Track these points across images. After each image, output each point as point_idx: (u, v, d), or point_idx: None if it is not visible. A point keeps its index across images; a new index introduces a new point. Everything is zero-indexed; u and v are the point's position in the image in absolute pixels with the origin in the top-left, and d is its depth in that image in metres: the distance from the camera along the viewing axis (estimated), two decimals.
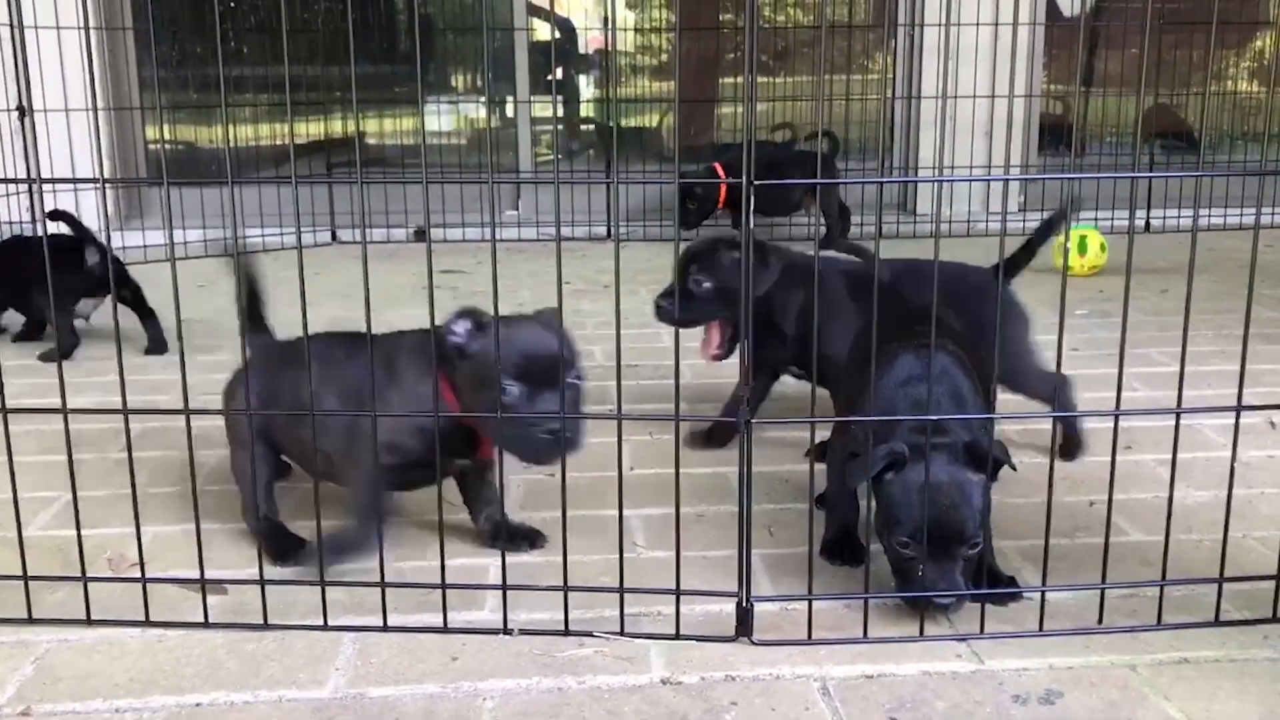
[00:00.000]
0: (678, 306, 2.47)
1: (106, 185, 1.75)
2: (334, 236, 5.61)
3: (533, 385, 1.86)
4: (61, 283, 3.40)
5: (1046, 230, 2.59)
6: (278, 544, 2.05)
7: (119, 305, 2.06)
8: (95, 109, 4.98)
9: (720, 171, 5.17)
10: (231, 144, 6.00)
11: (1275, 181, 5.28)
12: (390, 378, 1.97)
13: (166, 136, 6.26)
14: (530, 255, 5.19)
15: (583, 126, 7.00)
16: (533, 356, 1.87)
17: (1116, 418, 1.79)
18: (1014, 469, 1.85)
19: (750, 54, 1.60)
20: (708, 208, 5.20)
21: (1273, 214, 5.41)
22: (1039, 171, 6.08)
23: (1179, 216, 5.47)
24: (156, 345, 3.59)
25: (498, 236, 5.61)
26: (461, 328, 1.91)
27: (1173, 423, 1.79)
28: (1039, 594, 1.80)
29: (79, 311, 3.61)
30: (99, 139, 4.98)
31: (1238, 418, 1.78)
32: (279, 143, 6.11)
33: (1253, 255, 1.74)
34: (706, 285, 2.52)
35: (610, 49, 6.65)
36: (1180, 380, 1.74)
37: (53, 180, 1.87)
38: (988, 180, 5.81)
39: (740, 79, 6.80)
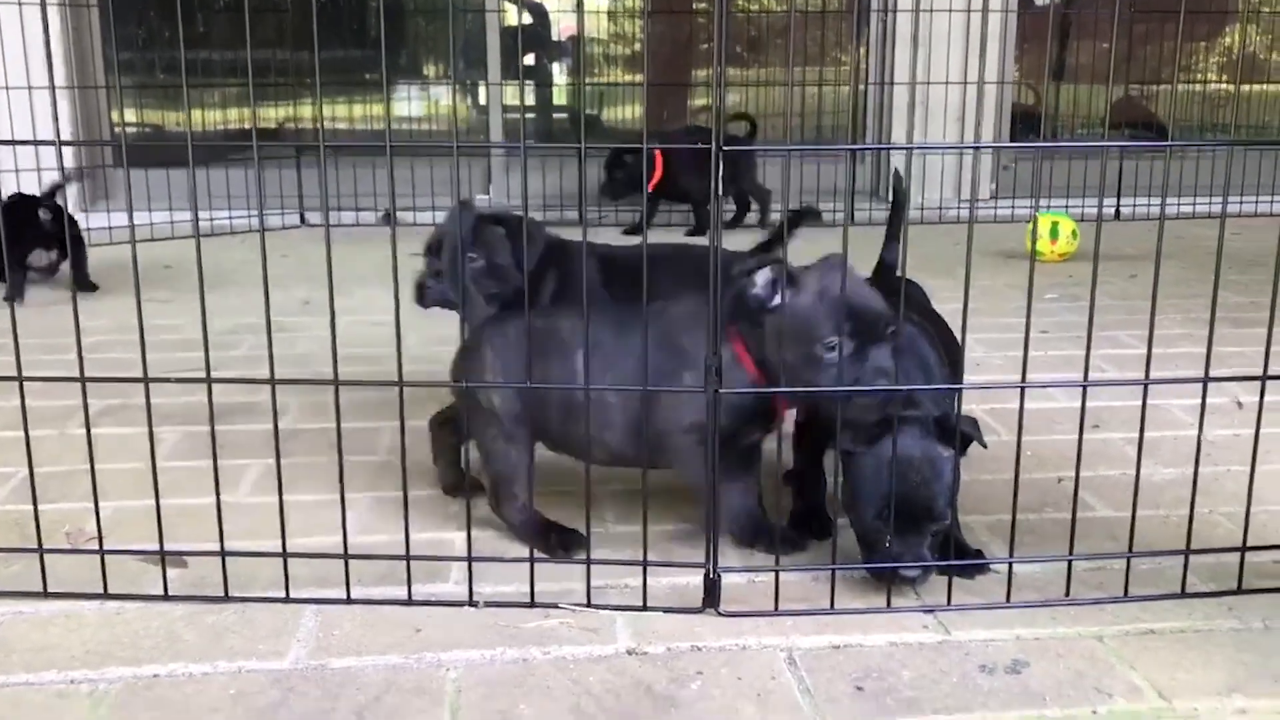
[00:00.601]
0: (461, 286, 2.17)
1: (65, 147, 1.72)
2: (303, 219, 5.56)
3: (860, 340, 1.72)
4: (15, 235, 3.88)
5: (897, 210, 2.42)
6: (555, 536, 1.95)
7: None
8: (54, 86, 4.91)
9: (658, 155, 5.19)
10: (199, 127, 5.94)
11: (1243, 170, 5.33)
12: (674, 356, 1.85)
13: (133, 119, 6.18)
14: None
15: (555, 115, 6.97)
16: (859, 309, 1.73)
17: (1085, 390, 1.78)
18: (984, 445, 1.84)
19: (720, 35, 1.59)
20: (635, 181, 5.20)
21: (1240, 202, 5.46)
22: (1012, 158, 6.10)
23: (1149, 205, 5.50)
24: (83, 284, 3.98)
25: None
26: (763, 280, 1.78)
27: (1140, 402, 1.79)
28: (1006, 566, 1.80)
29: (32, 263, 4.05)
30: (56, 112, 4.89)
31: (1204, 390, 1.78)
32: (247, 125, 6.04)
33: (1221, 224, 1.74)
34: (477, 263, 2.30)
35: (580, 35, 6.62)
36: (1148, 355, 1.74)
37: (12, 142, 1.84)
38: (944, 149, 5.83)
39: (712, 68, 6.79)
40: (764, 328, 1.79)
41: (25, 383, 1.74)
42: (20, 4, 4.47)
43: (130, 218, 1.68)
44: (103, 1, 5.52)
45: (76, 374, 1.74)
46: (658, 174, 5.19)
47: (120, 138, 5.60)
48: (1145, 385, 1.78)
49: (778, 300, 1.77)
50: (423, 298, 2.27)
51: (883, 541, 1.75)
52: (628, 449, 1.91)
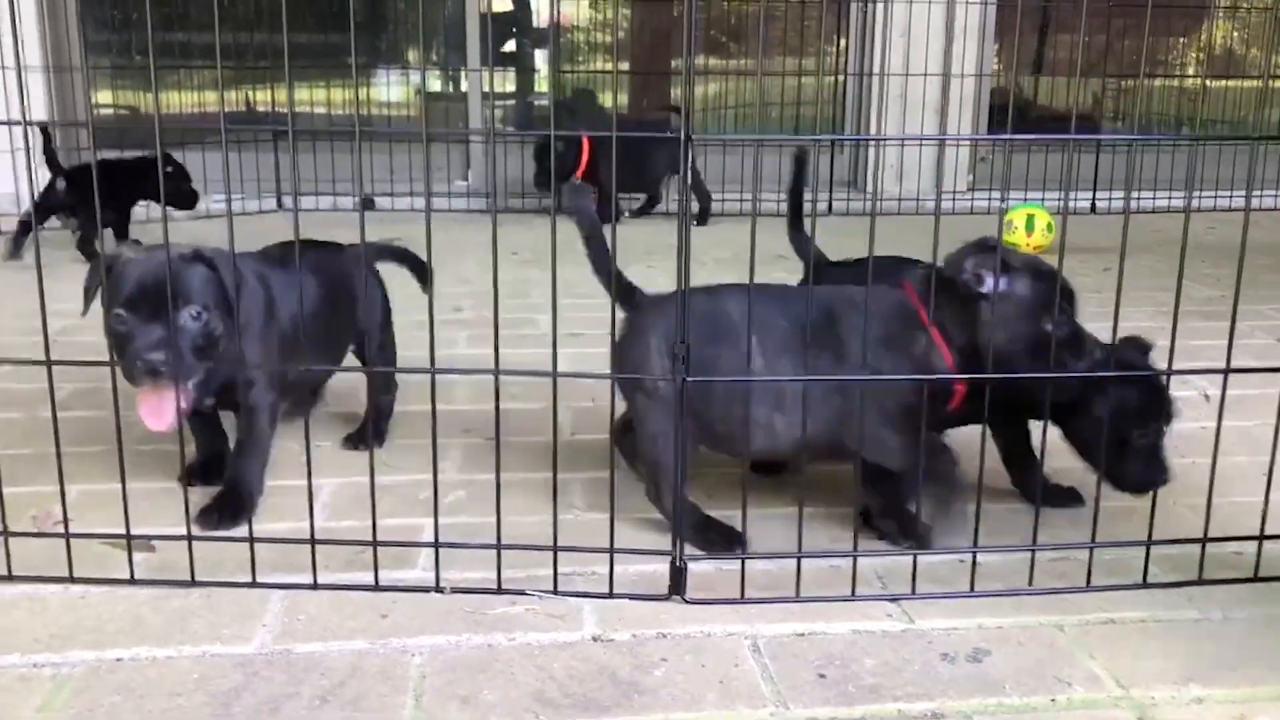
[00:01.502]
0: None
1: (33, 127, 1.71)
2: (279, 204, 5.53)
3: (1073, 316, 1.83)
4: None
5: (797, 188, 2.38)
6: (716, 534, 1.92)
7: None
8: (22, 66, 4.87)
9: (585, 142, 5.18)
10: (175, 109, 5.91)
11: (1217, 164, 5.36)
12: (882, 341, 1.84)
13: (109, 100, 6.13)
14: (481, 225, 5.15)
15: (538, 101, 6.95)
16: (1067, 287, 1.81)
17: (1050, 382, 1.80)
18: None
19: (689, 26, 1.59)
20: (566, 169, 5.15)
21: (1215, 196, 5.50)
22: (989, 149, 6.12)
23: (1124, 198, 5.53)
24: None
25: (447, 207, 5.57)
26: (972, 266, 1.81)
27: None
28: (970, 555, 1.82)
29: None
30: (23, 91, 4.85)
31: (1167, 383, 1.80)
32: (225, 109, 6.00)
33: (1186, 218, 1.75)
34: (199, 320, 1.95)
35: (555, 22, 6.60)
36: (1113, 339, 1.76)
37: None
38: (901, 141, 5.84)
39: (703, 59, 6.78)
40: (974, 314, 1.83)
41: None
42: None
43: (97, 201, 1.67)
44: None
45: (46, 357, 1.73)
46: (584, 162, 5.18)
47: (101, 119, 5.55)
48: (1108, 378, 1.80)
49: (988, 287, 1.81)
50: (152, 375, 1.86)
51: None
52: (800, 436, 1.85)
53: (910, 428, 1.83)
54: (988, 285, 1.81)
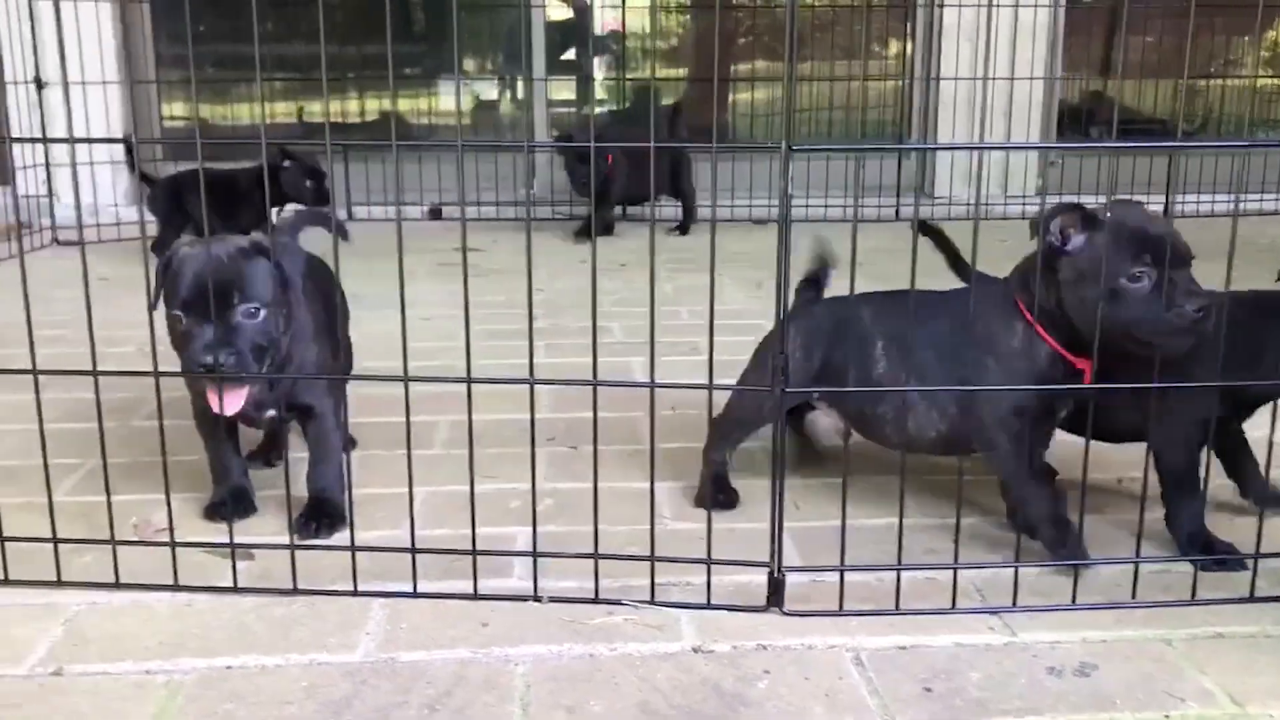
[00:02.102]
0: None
1: (135, 144, 1.74)
2: (350, 214, 5.59)
3: (1162, 268, 1.76)
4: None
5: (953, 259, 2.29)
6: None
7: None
8: (114, 81, 4.97)
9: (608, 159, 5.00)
10: (244, 121, 5.99)
11: (1264, 166, 5.24)
12: (983, 342, 1.89)
13: (182, 113, 6.24)
14: (551, 233, 5.19)
15: (597, 109, 6.97)
16: (1155, 236, 1.76)
17: (1151, 392, 1.77)
18: None
19: (790, 29, 1.59)
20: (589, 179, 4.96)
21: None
22: (1059, 154, 6.04)
23: (1198, 201, 5.43)
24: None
25: (512, 215, 5.59)
26: (1056, 227, 1.82)
27: None
28: (1071, 567, 1.79)
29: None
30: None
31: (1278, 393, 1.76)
32: (294, 121, 6.09)
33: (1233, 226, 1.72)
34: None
35: (623, 29, 6.62)
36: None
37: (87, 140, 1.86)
38: (953, 148, 5.78)
39: (757, 64, 6.77)
40: (1059, 279, 1.83)
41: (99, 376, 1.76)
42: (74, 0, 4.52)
43: (140, 213, 1.69)
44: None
45: (147, 367, 1.76)
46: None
47: (175, 131, 5.66)
48: (1216, 388, 1.77)
49: (1075, 244, 1.81)
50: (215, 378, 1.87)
51: None
52: (932, 435, 1.99)
53: (1015, 429, 1.88)
54: (1073, 243, 1.81)
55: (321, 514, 2.01)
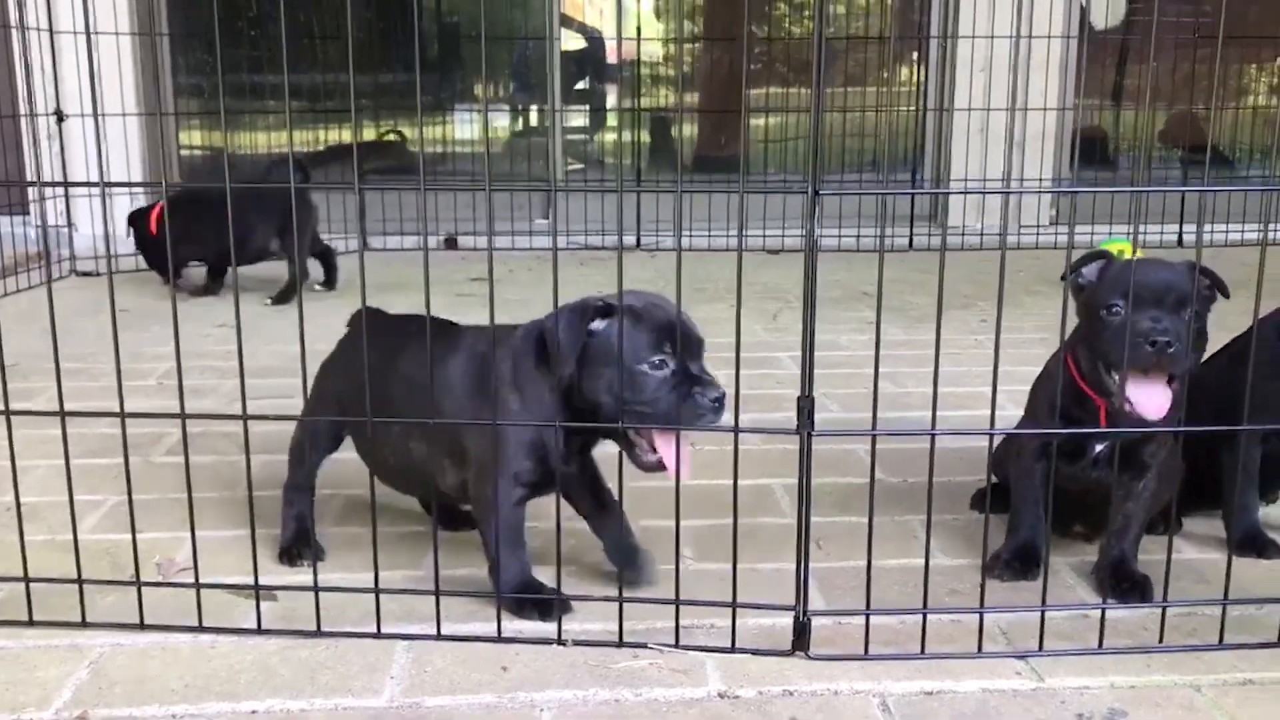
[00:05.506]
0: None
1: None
2: (364, 244, 5.61)
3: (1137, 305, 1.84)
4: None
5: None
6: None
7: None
8: (132, 113, 5.00)
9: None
10: (257, 149, 6.03)
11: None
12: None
13: (197, 142, 6.28)
14: (562, 264, 5.19)
15: (609, 136, 7.00)
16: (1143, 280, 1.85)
17: (1179, 434, 1.76)
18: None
19: (818, 70, 1.60)
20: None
21: None
22: (1068, 183, 6.04)
23: (1211, 231, 5.42)
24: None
25: (528, 245, 5.61)
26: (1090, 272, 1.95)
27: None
28: (1098, 610, 1.78)
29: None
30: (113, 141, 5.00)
31: None
32: (307, 149, 6.13)
33: (1197, 256, 1.72)
34: None
35: (622, 57, 6.65)
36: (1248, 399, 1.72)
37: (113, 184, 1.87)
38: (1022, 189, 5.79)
39: (771, 89, 6.79)
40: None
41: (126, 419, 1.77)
42: (91, 34, 4.56)
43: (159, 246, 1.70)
44: (173, 29, 5.63)
45: (161, 403, 1.77)
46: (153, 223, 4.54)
47: (190, 160, 5.69)
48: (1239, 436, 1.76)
49: (1085, 277, 1.94)
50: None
51: None
52: None
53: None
54: (1085, 276, 1.95)
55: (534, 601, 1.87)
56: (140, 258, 4.72)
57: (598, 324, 1.77)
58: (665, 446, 1.76)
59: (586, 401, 1.78)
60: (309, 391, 1.94)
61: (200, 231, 4.02)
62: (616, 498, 1.91)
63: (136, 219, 4.57)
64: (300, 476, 2.11)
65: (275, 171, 4.74)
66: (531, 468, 1.82)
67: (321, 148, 6.25)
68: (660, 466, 1.76)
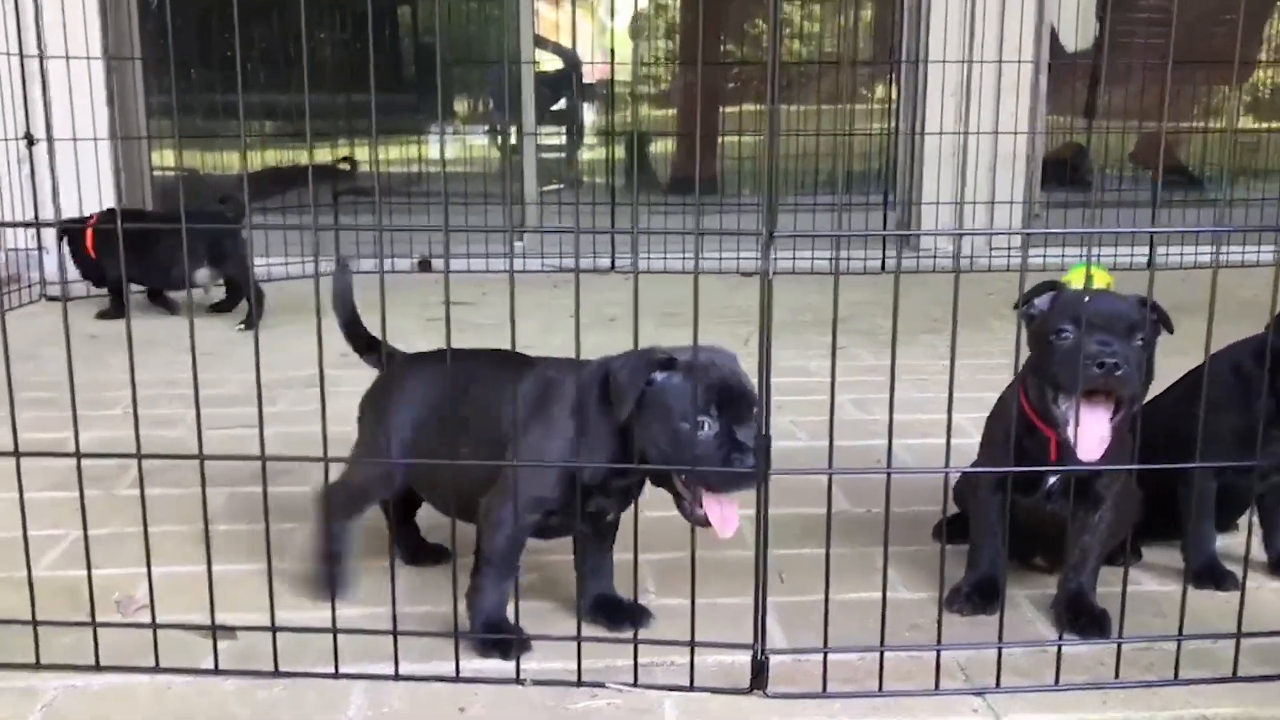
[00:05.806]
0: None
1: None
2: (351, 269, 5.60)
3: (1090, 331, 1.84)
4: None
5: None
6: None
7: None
8: (107, 137, 4.99)
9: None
10: (235, 170, 6.02)
11: (1245, 217, 5.30)
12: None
13: (171, 163, 6.27)
14: (539, 286, 5.19)
15: (587, 154, 7.02)
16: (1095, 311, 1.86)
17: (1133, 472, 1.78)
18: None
19: (773, 80, 1.61)
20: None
21: (1259, 251, 5.42)
22: (1041, 205, 6.11)
23: (1180, 254, 5.47)
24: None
25: (503, 268, 5.60)
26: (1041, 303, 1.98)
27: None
28: (1054, 646, 1.79)
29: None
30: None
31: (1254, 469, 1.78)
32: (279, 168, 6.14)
33: (1213, 277, 1.74)
34: None
35: (613, 78, 6.68)
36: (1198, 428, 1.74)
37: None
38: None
39: (745, 107, 6.83)
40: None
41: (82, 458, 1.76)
42: (66, 58, 4.55)
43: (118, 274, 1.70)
44: (146, 53, 5.63)
45: (125, 435, 1.76)
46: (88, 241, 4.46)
47: (163, 182, 5.68)
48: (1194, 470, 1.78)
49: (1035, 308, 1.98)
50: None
51: None
52: None
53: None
54: (1036, 306, 1.98)
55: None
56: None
57: (658, 375, 1.79)
58: (711, 504, 1.77)
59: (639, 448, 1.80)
60: (360, 432, 2.03)
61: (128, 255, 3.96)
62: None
63: (72, 233, 4.43)
64: (353, 517, 2.06)
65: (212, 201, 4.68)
66: (556, 499, 1.83)
67: (263, 170, 6.25)
68: (706, 523, 1.77)
